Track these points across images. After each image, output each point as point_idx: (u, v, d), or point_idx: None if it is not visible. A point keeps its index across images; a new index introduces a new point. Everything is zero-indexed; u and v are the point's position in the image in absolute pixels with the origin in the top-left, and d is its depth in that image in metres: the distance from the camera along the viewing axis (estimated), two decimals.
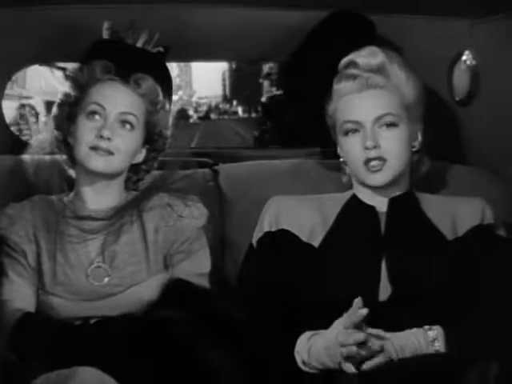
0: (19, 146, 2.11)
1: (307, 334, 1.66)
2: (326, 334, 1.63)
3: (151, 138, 1.87)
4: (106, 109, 1.78)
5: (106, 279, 1.78)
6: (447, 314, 1.71)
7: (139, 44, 1.89)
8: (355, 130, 1.79)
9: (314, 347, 1.63)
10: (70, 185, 1.90)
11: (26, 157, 2.08)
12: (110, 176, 1.82)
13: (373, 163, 1.77)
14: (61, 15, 2.20)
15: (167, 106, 1.89)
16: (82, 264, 1.78)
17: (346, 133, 1.81)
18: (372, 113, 1.77)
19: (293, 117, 2.37)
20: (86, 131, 1.78)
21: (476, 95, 2.30)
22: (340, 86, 1.82)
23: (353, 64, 1.83)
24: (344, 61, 1.85)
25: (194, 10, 2.25)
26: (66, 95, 1.85)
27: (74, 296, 1.76)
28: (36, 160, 1.98)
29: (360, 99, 1.79)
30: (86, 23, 2.07)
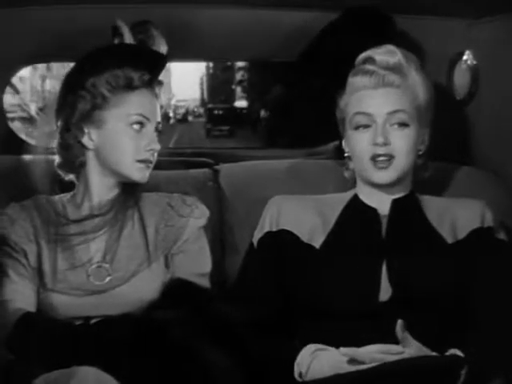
0: (20, 145, 2.12)
1: (311, 347, 1.66)
2: (333, 352, 1.63)
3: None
4: (151, 120, 1.79)
5: (107, 279, 1.77)
6: (447, 317, 1.72)
7: (161, 49, 1.84)
8: (366, 126, 1.78)
9: (316, 362, 1.62)
10: (69, 185, 1.88)
11: (25, 157, 2.08)
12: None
13: (380, 159, 1.76)
14: (59, 15, 2.20)
15: None
16: (83, 264, 1.78)
17: (357, 127, 1.80)
18: (385, 108, 1.77)
19: (305, 111, 2.38)
20: (133, 143, 1.78)
21: (477, 95, 2.30)
22: (355, 80, 1.82)
23: (370, 60, 1.82)
24: (362, 56, 1.85)
25: (195, 12, 2.26)
26: (92, 92, 1.78)
27: (74, 291, 1.75)
28: (36, 160, 1.98)
29: (374, 95, 1.79)
30: (76, 23, 2.08)
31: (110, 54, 1.81)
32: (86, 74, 1.78)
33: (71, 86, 1.80)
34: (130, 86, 1.78)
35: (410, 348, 1.59)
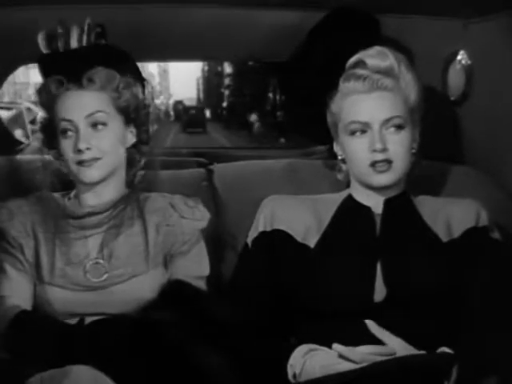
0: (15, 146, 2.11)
1: (303, 347, 1.65)
2: (325, 353, 1.63)
3: (130, 117, 1.85)
4: (73, 120, 1.77)
5: (105, 276, 1.78)
6: (441, 316, 1.72)
7: (73, 41, 1.83)
8: (362, 131, 1.77)
9: (308, 362, 1.62)
10: (69, 183, 1.89)
11: (21, 157, 2.08)
12: (106, 177, 1.82)
13: (379, 165, 1.76)
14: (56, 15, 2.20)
15: (131, 80, 1.84)
16: (81, 260, 1.78)
17: (353, 133, 1.79)
18: (381, 115, 1.76)
19: (293, 114, 2.37)
20: (67, 149, 1.78)
21: (471, 95, 2.30)
22: (348, 85, 1.80)
23: (361, 64, 1.81)
24: (352, 60, 1.84)
25: (188, 10, 2.26)
26: (41, 119, 1.85)
27: (71, 285, 1.76)
28: (31, 160, 1.98)
29: (368, 100, 1.78)
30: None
31: (39, 64, 1.85)
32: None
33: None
34: (53, 96, 1.80)
35: (393, 342, 1.60)
